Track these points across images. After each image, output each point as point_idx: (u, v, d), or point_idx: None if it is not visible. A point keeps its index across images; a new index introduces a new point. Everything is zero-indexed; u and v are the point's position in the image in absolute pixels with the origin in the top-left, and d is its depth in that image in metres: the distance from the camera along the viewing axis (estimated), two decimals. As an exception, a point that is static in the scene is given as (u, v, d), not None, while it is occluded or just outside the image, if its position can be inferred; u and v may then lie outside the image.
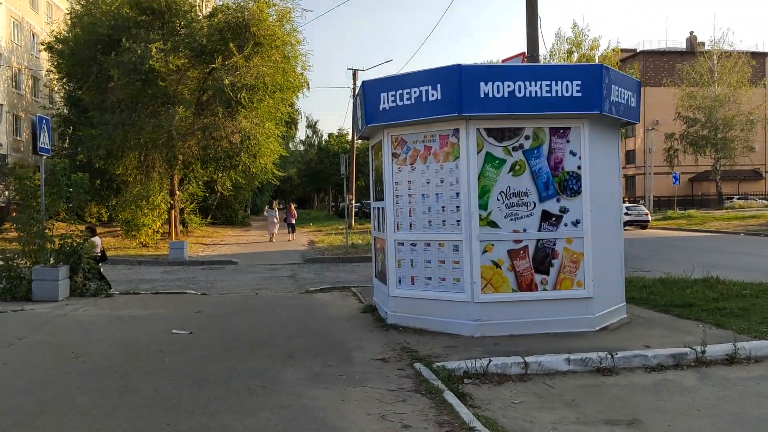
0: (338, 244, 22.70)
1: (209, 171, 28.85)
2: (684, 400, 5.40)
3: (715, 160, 51.29)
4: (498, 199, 7.34)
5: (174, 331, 7.78)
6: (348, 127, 63.63)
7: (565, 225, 7.42)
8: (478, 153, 7.30)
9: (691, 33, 70.83)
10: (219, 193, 38.40)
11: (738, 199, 54.06)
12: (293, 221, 28.64)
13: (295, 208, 33.67)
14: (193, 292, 11.95)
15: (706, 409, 5.16)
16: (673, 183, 42.38)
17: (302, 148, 77.45)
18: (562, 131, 7.42)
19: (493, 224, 7.34)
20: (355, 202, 41.54)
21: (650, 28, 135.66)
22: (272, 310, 9.51)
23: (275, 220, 28.20)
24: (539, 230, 7.39)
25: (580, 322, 7.39)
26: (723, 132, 49.16)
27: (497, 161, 7.34)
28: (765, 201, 58.20)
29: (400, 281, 7.93)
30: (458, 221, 7.39)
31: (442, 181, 7.52)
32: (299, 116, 45.05)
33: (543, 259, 7.40)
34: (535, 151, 7.39)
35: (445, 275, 7.52)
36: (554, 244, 7.41)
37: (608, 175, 8.01)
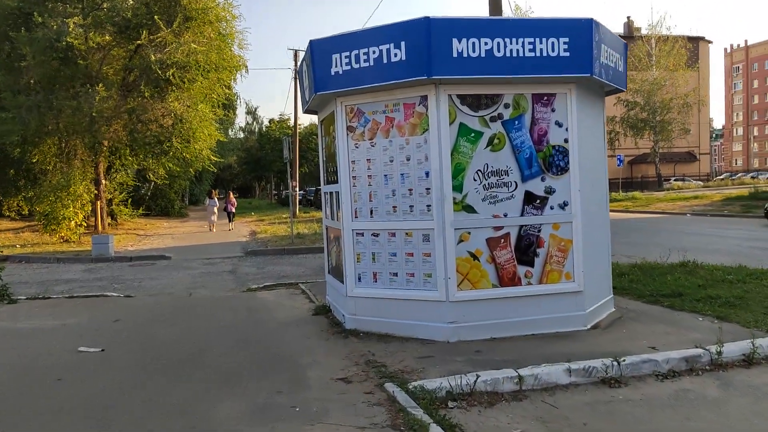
0: (282, 234, 21.25)
1: (140, 158, 26.72)
2: (714, 417, 4.42)
3: (654, 143, 52.17)
4: (474, 180, 6.21)
5: (82, 348, 6.32)
6: (290, 112, 61.56)
7: (551, 208, 6.37)
8: (450, 124, 6.13)
9: (629, 18, 72.04)
10: (152, 183, 36.10)
11: (675, 180, 55.40)
12: (233, 210, 27.91)
13: (236, 197, 32.22)
14: (115, 294, 10.38)
15: (746, 430, 4.19)
16: (618, 165, 42.68)
17: (242, 135, 74.81)
18: (546, 98, 6.34)
19: (470, 209, 6.21)
20: (299, 190, 39.92)
21: (588, 13, 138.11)
22: (208, 315, 8.12)
23: (215, 210, 26.96)
24: (522, 215, 6.31)
25: (570, 320, 6.38)
26: (661, 115, 49.94)
27: (473, 134, 6.19)
28: (700, 182, 59.95)
29: (359, 279, 6.71)
30: (428, 206, 6.23)
31: (408, 159, 6.33)
32: (238, 101, 42.77)
33: (527, 248, 6.33)
34: (516, 122, 6.28)
35: (414, 270, 6.35)
36: (539, 231, 6.35)
37: (595, 149, 7.01)
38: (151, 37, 20.36)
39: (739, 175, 76.61)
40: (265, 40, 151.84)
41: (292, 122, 50.69)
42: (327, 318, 7.53)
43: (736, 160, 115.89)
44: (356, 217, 6.68)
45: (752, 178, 63.60)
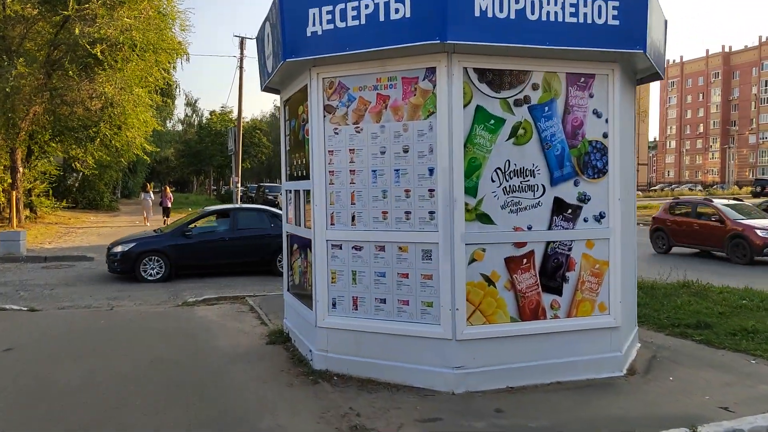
0: (223, 234, 19.25)
1: (64, 145, 24.10)
2: None
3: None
4: (493, 180, 4.76)
5: (-59, 401, 4.50)
6: (232, 104, 58.99)
7: (585, 220, 5.00)
8: (465, 107, 4.66)
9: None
10: (80, 173, 33.16)
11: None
12: (169, 204, 26.28)
13: (172, 192, 30.20)
14: (16, 307, 8.39)
15: None
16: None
17: (181, 127, 71.30)
18: (583, 80, 4.96)
19: (486, 218, 4.75)
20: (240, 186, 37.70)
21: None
22: (131, 342, 6.35)
23: (150, 204, 25.25)
24: (550, 227, 4.91)
25: (604, 364, 5.02)
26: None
27: (493, 121, 4.74)
28: (640, 192, 61.03)
29: (334, 304, 5.14)
30: (431, 213, 4.74)
31: (405, 151, 4.81)
32: (177, 90, 39.98)
33: (554, 271, 4.93)
34: (546, 108, 4.87)
35: (409, 297, 4.84)
36: (570, 249, 4.96)
37: (630, 149, 5.69)
38: (78, 7, 18.04)
39: (679, 186, 79.63)
40: (211, 27, 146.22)
41: (234, 115, 48.28)
42: (286, 350, 5.92)
43: (668, 171, 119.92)
44: (332, 224, 5.12)
45: (672, 189, 67.41)
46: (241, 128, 34.56)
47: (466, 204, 4.68)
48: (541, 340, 4.86)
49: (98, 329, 6.98)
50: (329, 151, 5.09)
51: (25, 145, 22.33)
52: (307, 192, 5.46)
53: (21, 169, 22.20)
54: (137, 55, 20.20)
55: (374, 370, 4.91)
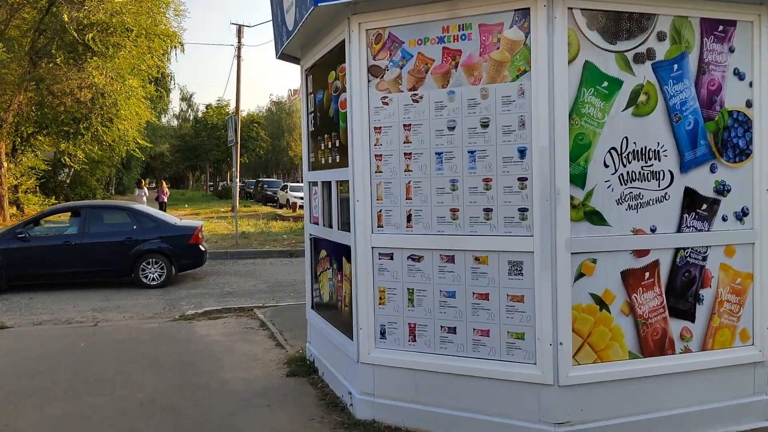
0: (223, 233, 17.96)
1: (52, 138, 22.72)
2: None
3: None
4: (606, 165, 3.47)
5: None
6: (228, 98, 57.56)
7: (724, 219, 3.71)
8: (570, 63, 3.36)
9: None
10: (72, 168, 31.74)
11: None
12: (165, 200, 25.53)
13: (168, 188, 29.19)
14: (-18, 323, 7.08)
15: None
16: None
17: (176, 123, 69.69)
18: (721, 29, 3.66)
19: (597, 218, 3.46)
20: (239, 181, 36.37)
21: None
22: (115, 376, 5.05)
23: (144, 200, 24.33)
24: (679, 230, 3.61)
25: (745, 412, 3.74)
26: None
27: (606, 83, 3.44)
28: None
29: (383, 333, 3.85)
30: (522, 211, 3.44)
31: (485, 125, 3.51)
32: (172, 83, 38.53)
33: (685, 288, 3.64)
34: (675, 67, 3.57)
35: (490, 325, 3.55)
36: (705, 259, 3.67)
37: None
38: (65, -12, 16.71)
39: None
40: (206, 15, 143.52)
41: (231, 108, 46.86)
42: (313, 386, 4.63)
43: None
44: (380, 226, 3.82)
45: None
46: (240, 119, 33.23)
47: (572, 198, 3.38)
48: (668, 382, 3.58)
49: (76, 355, 5.68)
50: (375, 128, 3.78)
51: (10, 138, 20.95)
52: (342, 184, 4.17)
53: (5, 164, 20.84)
54: (129, 40, 18.85)
55: (440, 424, 3.63)
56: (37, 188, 25.29)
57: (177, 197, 44.93)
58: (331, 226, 4.46)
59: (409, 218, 3.73)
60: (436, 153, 3.63)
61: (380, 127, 3.77)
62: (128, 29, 18.29)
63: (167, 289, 9.90)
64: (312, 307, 5.10)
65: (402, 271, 3.76)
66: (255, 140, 50.14)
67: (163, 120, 57.52)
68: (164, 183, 26.65)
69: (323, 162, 4.61)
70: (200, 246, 10.62)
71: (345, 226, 4.17)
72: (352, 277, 3.97)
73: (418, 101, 3.65)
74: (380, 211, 3.81)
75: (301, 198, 28.02)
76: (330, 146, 4.42)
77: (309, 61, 4.88)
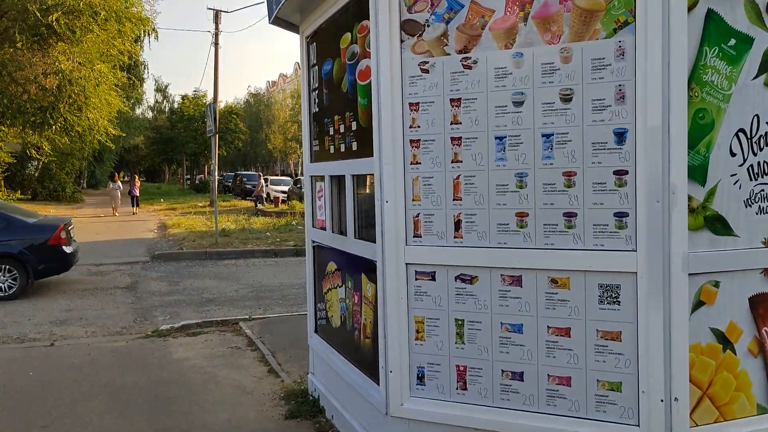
0: (201, 230, 16.83)
1: (18, 129, 21.33)
2: None
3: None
4: (733, 154, 2.55)
5: None
6: (205, 88, 55.94)
7: None
8: (689, 11, 2.43)
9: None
10: (40, 162, 30.22)
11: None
12: (137, 193, 25.58)
13: (141, 181, 28.43)
14: None
15: None
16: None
17: (151, 114, 67.72)
18: None
19: (721, 225, 2.54)
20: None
21: None
22: (64, 418, 4.03)
23: (118, 194, 24.15)
24: (819, 240, 2.72)
25: None
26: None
27: (734, 41, 2.52)
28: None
29: (421, 378, 2.90)
30: (620, 216, 2.50)
31: (566, 99, 2.56)
32: (145, 72, 36.91)
33: (825, 317, 2.75)
34: (817, 22, 2.66)
35: (572, 371, 2.62)
36: None
37: None
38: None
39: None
40: (182, 4, 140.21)
41: (208, 99, 45.31)
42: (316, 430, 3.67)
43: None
44: (417, 236, 2.86)
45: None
46: (218, 110, 32.06)
47: (689, 198, 2.46)
48: (805, 443, 2.69)
49: (21, 390, 4.63)
50: (411, 105, 2.82)
51: (-31, 129, 19.61)
52: (361, 178, 3.20)
53: (-35, 157, 19.49)
54: (97, 24, 17.60)
55: (504, 503, 2.70)
56: (2, 182, 23.81)
57: (152, 191, 43.49)
58: (343, 233, 3.49)
59: (457, 225, 2.78)
60: (496, 137, 2.68)
61: (417, 103, 2.81)
62: (96, 12, 17.04)
63: (139, 293, 8.83)
64: (316, 331, 4.13)
65: (448, 295, 2.82)
66: (234, 132, 48.79)
67: (138, 111, 55.72)
68: (137, 177, 25.93)
69: (332, 151, 3.64)
70: (63, 247, 8.95)
71: (365, 233, 3.21)
72: (377, 301, 3.02)
73: (471, 67, 2.69)
74: (417, 215, 2.85)
75: (283, 192, 26.88)
76: (343, 130, 3.44)
77: (311, 25, 3.89)
